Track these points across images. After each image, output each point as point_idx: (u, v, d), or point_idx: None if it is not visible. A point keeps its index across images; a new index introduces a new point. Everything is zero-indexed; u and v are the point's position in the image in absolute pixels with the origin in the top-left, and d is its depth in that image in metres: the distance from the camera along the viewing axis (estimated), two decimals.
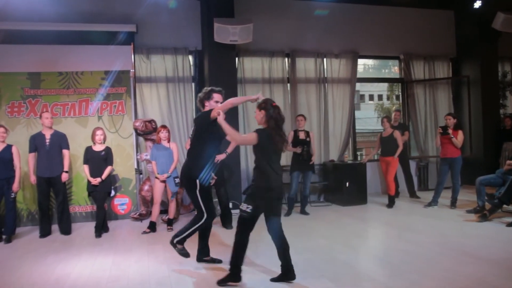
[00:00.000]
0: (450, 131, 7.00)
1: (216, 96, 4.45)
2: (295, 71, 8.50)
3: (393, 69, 11.91)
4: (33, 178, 6.12)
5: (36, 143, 6.09)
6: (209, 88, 4.50)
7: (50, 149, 6.07)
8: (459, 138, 7.04)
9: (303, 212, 7.11)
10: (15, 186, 5.87)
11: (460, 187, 7.35)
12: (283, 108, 8.31)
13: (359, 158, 9.49)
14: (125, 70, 7.33)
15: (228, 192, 6.44)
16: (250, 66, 8.29)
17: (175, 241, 4.23)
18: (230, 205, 6.60)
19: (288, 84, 8.53)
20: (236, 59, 7.97)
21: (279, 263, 3.86)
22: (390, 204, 7.43)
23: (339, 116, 8.82)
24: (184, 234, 4.20)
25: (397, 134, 7.46)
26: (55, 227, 6.31)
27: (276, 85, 8.40)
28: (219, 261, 4.50)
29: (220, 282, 3.77)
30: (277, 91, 8.39)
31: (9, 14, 6.93)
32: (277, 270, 3.90)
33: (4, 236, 5.85)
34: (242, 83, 8.15)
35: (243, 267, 3.85)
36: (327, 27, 8.68)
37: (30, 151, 6.12)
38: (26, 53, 7.08)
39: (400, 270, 4.08)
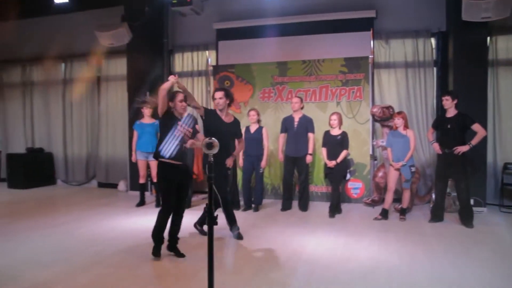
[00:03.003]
0: None
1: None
2: None
3: None
4: (281, 156, 6.83)
5: (286, 124, 6.75)
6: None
7: (297, 131, 6.62)
8: None
9: None
10: (263, 163, 6.66)
11: None
12: None
13: None
14: (364, 56, 7.39)
15: (471, 188, 5.84)
16: (505, 46, 7.18)
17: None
18: (472, 201, 5.99)
19: None
20: (488, 38, 7.07)
21: None
22: None
23: None
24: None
25: None
26: (294, 203, 6.92)
27: None
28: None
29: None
30: None
31: (263, 11, 7.89)
32: None
33: (253, 205, 6.74)
34: (493, 66, 7.15)
35: None
36: None
37: (281, 132, 6.82)
38: (276, 45, 7.98)
39: None
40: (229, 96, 5.05)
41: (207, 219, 2.94)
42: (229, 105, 5.09)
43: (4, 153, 10.01)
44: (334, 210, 6.34)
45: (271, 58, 7.86)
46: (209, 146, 3.00)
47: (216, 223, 2.95)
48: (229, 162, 4.96)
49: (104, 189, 9.10)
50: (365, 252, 4.51)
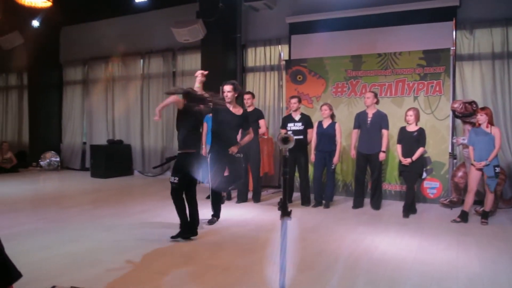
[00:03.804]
0: None
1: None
2: None
3: None
4: (353, 153, 6.65)
5: (359, 120, 6.55)
6: None
7: (370, 127, 6.40)
8: None
9: None
10: (335, 159, 6.51)
11: None
12: None
13: None
14: (445, 48, 6.95)
15: None
16: None
17: None
18: None
19: None
20: None
21: None
22: None
23: None
24: None
25: None
26: (366, 201, 6.72)
27: None
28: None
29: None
30: None
31: (336, 4, 7.72)
32: None
33: (324, 202, 6.63)
34: None
35: None
36: None
37: (354, 127, 6.63)
38: (350, 38, 7.80)
39: None
40: (237, 89, 5.48)
41: (281, 214, 2.91)
42: (237, 98, 5.55)
43: (88, 145, 10.72)
44: (409, 210, 6.06)
45: (345, 52, 7.66)
46: (285, 140, 2.97)
47: (290, 218, 2.92)
48: (232, 149, 5.28)
49: None
50: (442, 256, 4.25)
